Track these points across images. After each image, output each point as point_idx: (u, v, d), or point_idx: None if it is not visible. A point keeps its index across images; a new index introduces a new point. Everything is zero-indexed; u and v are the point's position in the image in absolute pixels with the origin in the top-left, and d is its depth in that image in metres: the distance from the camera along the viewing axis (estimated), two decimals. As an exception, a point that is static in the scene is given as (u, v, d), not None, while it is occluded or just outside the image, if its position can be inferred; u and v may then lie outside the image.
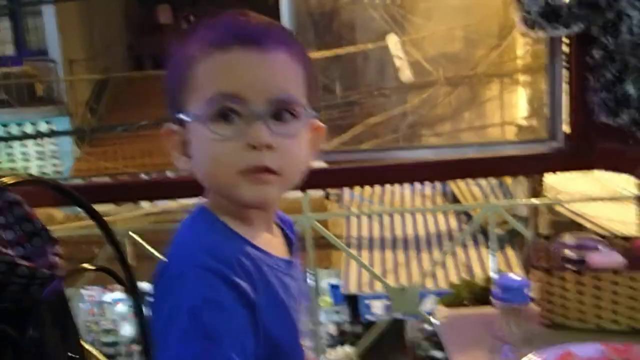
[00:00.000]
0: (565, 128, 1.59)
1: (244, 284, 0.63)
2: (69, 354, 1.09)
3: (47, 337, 1.04)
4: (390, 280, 6.61)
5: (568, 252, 1.17)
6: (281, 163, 0.67)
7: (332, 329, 7.59)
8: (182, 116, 0.69)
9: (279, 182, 0.68)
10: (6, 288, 0.96)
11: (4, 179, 0.91)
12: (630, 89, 1.40)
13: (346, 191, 7.53)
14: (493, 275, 1.64)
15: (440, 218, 7.41)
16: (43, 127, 8.42)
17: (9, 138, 8.44)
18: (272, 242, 0.73)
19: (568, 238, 1.21)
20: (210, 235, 0.68)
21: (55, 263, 1.03)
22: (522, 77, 5.72)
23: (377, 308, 7.06)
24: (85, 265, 1.07)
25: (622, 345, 0.99)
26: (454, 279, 6.12)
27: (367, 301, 7.14)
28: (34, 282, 0.99)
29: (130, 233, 1.52)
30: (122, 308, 7.78)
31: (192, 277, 0.62)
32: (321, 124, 0.74)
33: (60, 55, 8.57)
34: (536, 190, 6.74)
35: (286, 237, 0.78)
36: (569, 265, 1.14)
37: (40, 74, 8.62)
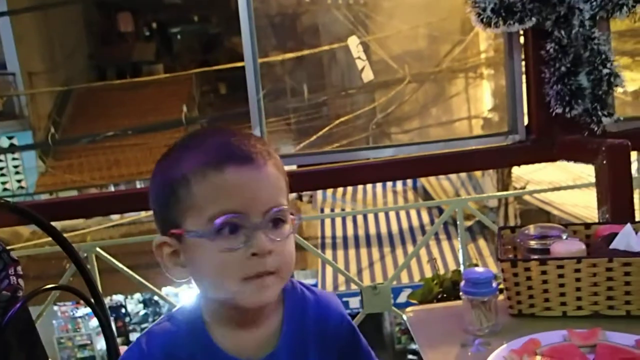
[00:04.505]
0: (526, 121, 1.62)
1: None
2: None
3: (13, 361, 1.01)
4: (367, 278, 6.67)
5: (532, 243, 1.20)
6: (280, 263, 0.75)
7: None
8: (178, 232, 0.73)
9: (278, 282, 0.76)
10: (-34, 313, 0.93)
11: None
12: (584, 80, 1.44)
13: (318, 191, 7.53)
14: (462, 268, 1.66)
15: (413, 214, 7.49)
16: (4, 142, 8.20)
17: (-31, 155, 8.18)
18: (248, 341, 0.79)
19: (532, 229, 1.23)
20: (168, 330, 0.78)
21: (16, 285, 1.01)
22: (485, 71, 5.81)
23: (356, 303, 7.11)
24: (48, 285, 1.05)
25: (586, 331, 1.01)
26: (429, 272, 6.20)
27: (345, 299, 7.18)
28: (-4, 305, 0.96)
29: (98, 249, 1.48)
30: (96, 322, 7.63)
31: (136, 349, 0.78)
32: (294, 217, 0.79)
33: (19, 67, 8.35)
34: (505, 182, 6.87)
35: (295, 327, 0.82)
36: (533, 256, 1.16)
37: (-2, 88, 8.39)
